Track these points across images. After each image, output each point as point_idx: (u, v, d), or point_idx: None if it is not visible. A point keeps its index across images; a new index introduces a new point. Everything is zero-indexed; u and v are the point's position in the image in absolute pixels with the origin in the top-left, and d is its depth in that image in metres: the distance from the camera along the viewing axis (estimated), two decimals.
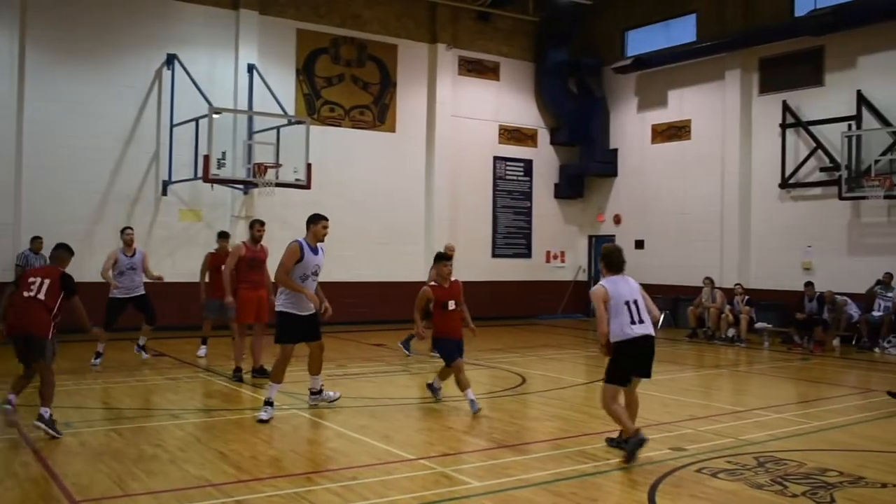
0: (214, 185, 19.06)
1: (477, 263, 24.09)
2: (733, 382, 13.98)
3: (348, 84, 22.54)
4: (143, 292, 14.23)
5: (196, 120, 18.74)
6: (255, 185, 18.75)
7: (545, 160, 26.02)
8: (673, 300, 22.95)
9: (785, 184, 21.05)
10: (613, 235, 25.61)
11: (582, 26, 25.82)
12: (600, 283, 8.19)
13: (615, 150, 25.66)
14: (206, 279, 14.62)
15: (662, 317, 22.59)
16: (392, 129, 23.17)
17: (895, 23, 18.97)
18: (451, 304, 10.45)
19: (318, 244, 9.96)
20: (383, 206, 22.60)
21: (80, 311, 8.90)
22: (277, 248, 19.78)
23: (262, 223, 12.81)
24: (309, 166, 18.73)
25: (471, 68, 24.68)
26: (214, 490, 6.61)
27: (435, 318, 10.44)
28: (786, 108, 21.10)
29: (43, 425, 8.33)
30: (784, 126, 21.15)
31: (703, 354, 17.47)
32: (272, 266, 10.62)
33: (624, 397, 8.20)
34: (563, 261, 26.27)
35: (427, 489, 6.73)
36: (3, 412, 8.66)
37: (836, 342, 18.14)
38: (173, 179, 19.63)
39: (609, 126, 25.77)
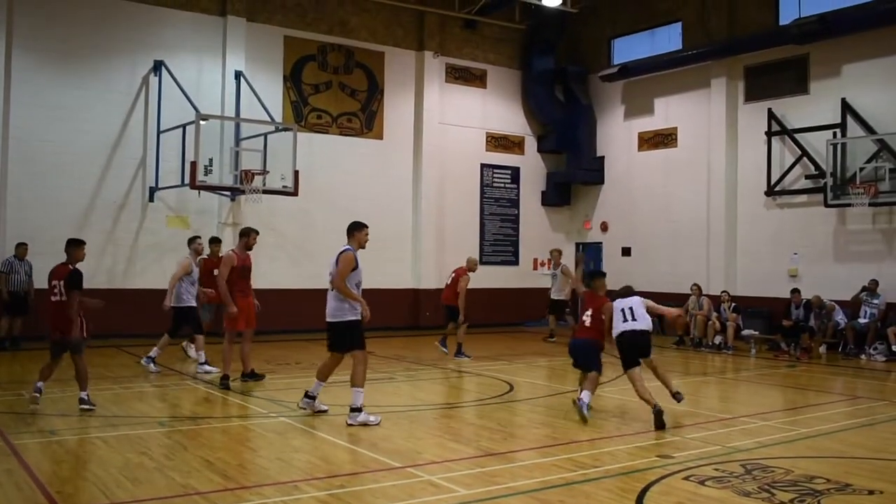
0: (201, 192, 19.00)
1: None
2: (720, 390, 13.99)
3: (336, 91, 22.52)
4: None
5: (183, 126, 18.69)
6: (243, 192, 18.70)
7: (532, 168, 26.04)
8: None
9: (771, 191, 21.12)
10: (600, 243, 25.66)
11: (568, 34, 25.88)
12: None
13: (602, 158, 25.70)
14: (197, 284, 14.54)
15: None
16: (379, 137, 23.15)
17: (879, 31, 19.08)
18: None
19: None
20: (371, 213, 22.43)
21: (74, 305, 9.93)
22: (264, 254, 19.82)
23: (257, 232, 13.00)
24: (296, 173, 18.69)
25: (458, 76, 24.69)
26: (200, 498, 6.56)
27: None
28: (771, 115, 21.19)
29: (85, 406, 10.08)
30: (769, 134, 21.23)
31: (690, 362, 17.47)
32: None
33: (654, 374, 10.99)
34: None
35: (414, 497, 6.69)
36: (33, 400, 10.12)
37: (822, 349, 18.18)
38: (160, 186, 19.55)
39: (596, 134, 25.80)
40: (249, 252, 12.78)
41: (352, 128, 22.74)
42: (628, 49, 25.17)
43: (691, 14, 23.24)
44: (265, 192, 18.54)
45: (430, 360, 16.04)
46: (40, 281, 16.45)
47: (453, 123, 24.40)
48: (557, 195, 26.22)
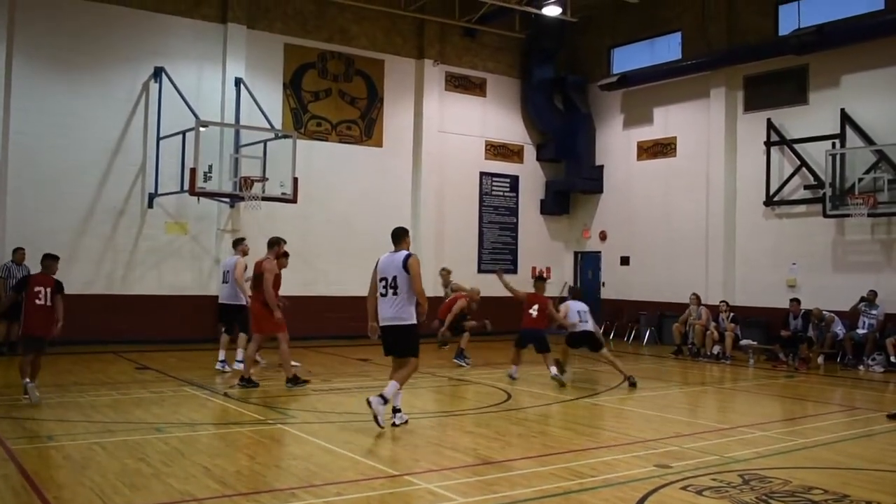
0: (200, 199, 19.01)
1: (462, 278, 23.96)
2: (718, 400, 13.97)
3: (335, 98, 22.55)
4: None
5: (183, 133, 18.72)
6: (242, 199, 18.70)
7: (531, 176, 26.08)
8: (658, 316, 23.01)
9: (770, 201, 21.14)
10: (599, 252, 25.68)
11: (568, 43, 25.95)
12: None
13: (601, 167, 25.73)
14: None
15: (648, 333, 22.68)
16: (379, 144, 23.18)
17: (878, 42, 19.13)
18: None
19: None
20: (369, 220, 22.55)
21: (62, 308, 11.24)
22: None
23: (285, 241, 13.63)
24: (295, 180, 18.70)
25: (457, 84, 24.74)
26: None
27: None
28: (770, 125, 21.22)
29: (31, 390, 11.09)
30: (769, 144, 21.26)
31: (688, 371, 17.48)
32: None
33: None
34: (548, 276, 26.25)
35: None
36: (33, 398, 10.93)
37: (820, 360, 18.19)
38: (159, 192, 19.58)
39: (595, 143, 25.85)
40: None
41: (351, 135, 22.77)
42: (628, 58, 25.23)
43: (691, 24, 23.30)
44: (264, 198, 18.56)
45: (428, 369, 16.02)
46: None
47: (453, 131, 24.43)
48: (556, 204, 26.25)
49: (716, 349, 19.22)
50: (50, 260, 11.50)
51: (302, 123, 21.95)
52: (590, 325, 14.93)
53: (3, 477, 7.28)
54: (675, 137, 23.69)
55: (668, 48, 24.10)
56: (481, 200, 25.18)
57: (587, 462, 8.39)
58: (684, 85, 23.24)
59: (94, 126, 19.17)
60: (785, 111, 21.08)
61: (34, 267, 16.73)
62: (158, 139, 19.61)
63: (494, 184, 25.42)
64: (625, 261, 24.90)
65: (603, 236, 25.66)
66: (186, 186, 18.14)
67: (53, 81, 18.83)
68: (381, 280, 9.87)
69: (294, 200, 18.89)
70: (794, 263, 20.63)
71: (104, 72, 19.40)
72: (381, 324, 9.90)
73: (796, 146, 20.70)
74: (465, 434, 9.75)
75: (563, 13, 22.92)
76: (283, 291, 19.98)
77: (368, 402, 9.73)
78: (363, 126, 22.98)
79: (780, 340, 18.47)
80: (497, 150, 25.50)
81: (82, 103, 19.06)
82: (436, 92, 24.04)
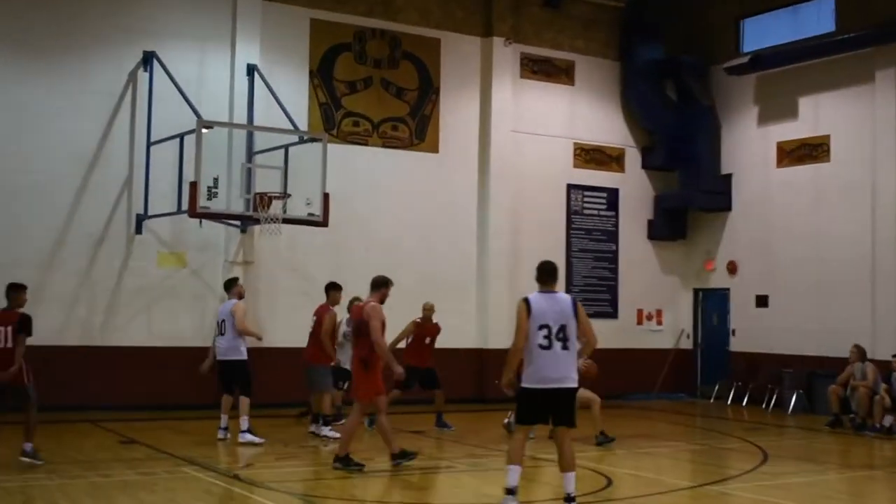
0: (203, 221, 19.23)
1: None
2: (893, 489, 13.72)
3: (377, 90, 22.75)
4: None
5: (180, 136, 18.93)
6: (257, 221, 18.87)
7: (635, 189, 25.98)
8: (807, 376, 22.64)
9: None
10: (727, 289, 25.42)
11: (682, 14, 25.89)
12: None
13: (728, 177, 25.54)
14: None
15: (795, 397, 22.32)
16: (434, 149, 23.30)
17: None
18: None
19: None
20: (422, 249, 22.59)
21: (21, 351, 12.27)
22: (283, 302, 19.94)
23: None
24: (326, 197, 18.82)
25: (537, 69, 24.80)
26: None
27: None
28: None
29: (28, 458, 12.40)
30: None
31: (851, 450, 17.20)
32: None
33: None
34: (659, 322, 26.08)
35: None
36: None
37: None
38: (150, 213, 19.84)
39: (720, 144, 25.67)
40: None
41: (398, 138, 22.93)
42: (763, 32, 25.07)
43: None
44: (286, 220, 18.69)
45: (499, 444, 15.96)
46: None
47: (531, 131, 24.46)
48: (669, 226, 26.09)
49: (887, 420, 18.88)
50: (13, 290, 12.36)
51: (334, 123, 22.16)
52: None
53: None
54: (827, 136, 23.41)
55: (816, 17, 23.89)
56: (569, 222, 25.12)
57: None
58: (840, 66, 22.99)
59: (67, 129, 19.49)
60: None
61: None
62: (149, 145, 19.89)
63: (587, 200, 25.37)
64: (762, 301, 24.60)
65: (732, 268, 25.40)
66: (185, 206, 18.34)
67: (14, 72, 19.21)
68: (542, 328, 9.92)
69: (324, 223, 19.01)
70: None
71: (79, 59, 19.76)
72: (544, 385, 9.97)
73: None
74: None
75: None
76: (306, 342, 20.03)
77: None
78: (413, 126, 23.13)
79: None
80: (590, 156, 25.45)
81: (51, 100, 19.40)
82: (508, 80, 24.10)
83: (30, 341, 12.38)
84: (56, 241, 19.39)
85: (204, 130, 17.85)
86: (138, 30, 20.19)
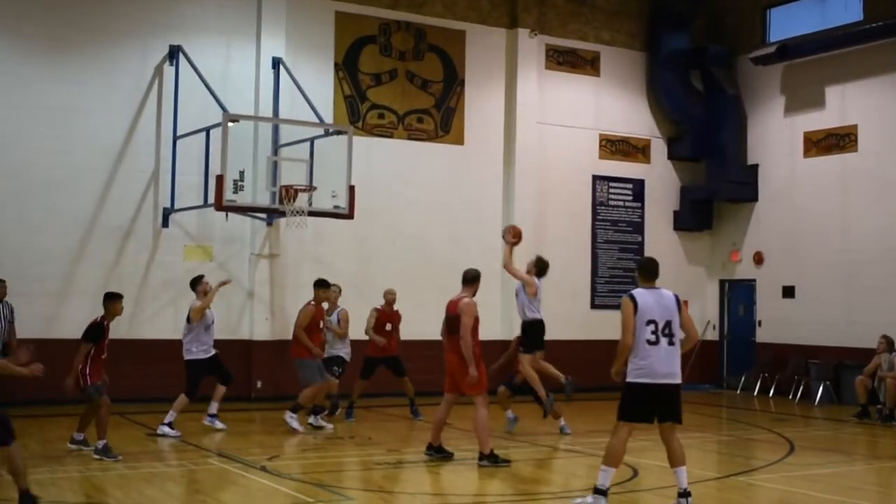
0: (229, 215, 19.32)
1: (571, 317, 23.92)
2: None
3: (402, 82, 22.77)
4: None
5: (206, 130, 18.98)
6: (283, 214, 18.91)
7: (661, 180, 25.92)
8: (835, 367, 22.56)
9: None
10: (753, 280, 25.34)
11: (708, 3, 25.79)
12: None
13: (755, 167, 25.46)
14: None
15: (822, 388, 22.26)
16: (459, 141, 23.31)
17: None
18: None
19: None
20: (448, 241, 22.60)
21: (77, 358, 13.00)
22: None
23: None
24: (351, 189, 18.85)
25: (562, 60, 24.76)
26: None
27: None
28: None
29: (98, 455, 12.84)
30: None
31: (878, 441, 17.14)
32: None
33: None
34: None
35: None
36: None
37: None
38: (176, 207, 19.95)
39: (746, 134, 25.61)
40: None
41: (423, 130, 22.95)
42: (790, 21, 24.95)
43: None
44: (311, 213, 18.71)
45: (527, 435, 15.99)
46: (24, 328, 16.96)
47: (556, 123, 24.43)
48: (695, 216, 26.03)
49: None
50: (107, 301, 13.60)
51: (359, 115, 22.20)
52: None
53: None
54: (855, 126, 23.30)
55: (844, 6, 23.75)
56: (595, 213, 25.10)
57: None
58: (867, 55, 22.86)
59: (94, 123, 19.61)
60: None
61: (19, 304, 17.24)
62: (175, 139, 19.98)
63: (612, 191, 25.33)
64: (788, 292, 24.51)
65: (759, 259, 25.32)
66: (211, 199, 18.42)
67: (42, 67, 19.31)
68: (649, 323, 10.08)
69: (350, 216, 19.03)
70: None
71: (106, 53, 19.87)
72: (652, 380, 10.10)
73: None
74: None
75: None
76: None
77: None
78: (439, 118, 23.15)
79: None
80: (615, 147, 25.41)
81: (78, 94, 19.50)
82: (534, 71, 24.08)
83: (58, 334, 12.47)
84: (84, 234, 19.50)
85: (230, 124, 17.88)
86: (164, 24, 20.27)
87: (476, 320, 13.02)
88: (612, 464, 10.11)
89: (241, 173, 19.03)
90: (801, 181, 24.40)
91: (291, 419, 15.84)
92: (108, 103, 19.76)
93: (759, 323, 25.21)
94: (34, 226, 18.97)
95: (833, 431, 18.15)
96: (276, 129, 20.14)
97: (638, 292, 10.25)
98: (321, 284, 16.82)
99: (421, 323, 20.30)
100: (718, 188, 25.53)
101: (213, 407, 15.99)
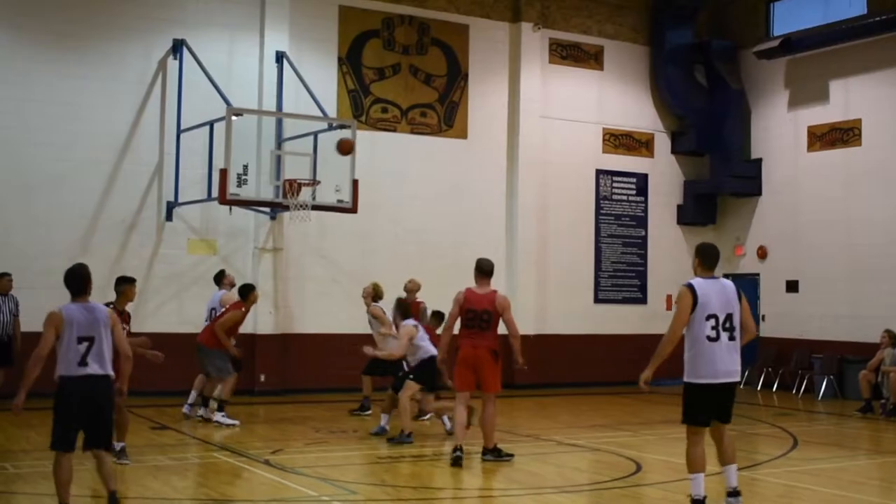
0: (233, 208, 19.34)
1: (574, 311, 23.96)
2: None
3: (406, 76, 22.77)
4: None
5: (210, 124, 19.03)
6: (286, 208, 18.93)
7: (665, 174, 25.91)
8: (838, 361, 22.55)
9: None
10: (756, 275, 25.34)
11: None
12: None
13: (758, 161, 25.45)
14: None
15: (825, 383, 22.26)
16: (462, 135, 23.32)
17: None
18: None
19: None
20: (451, 235, 22.60)
21: None
22: (312, 289, 20.04)
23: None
24: (355, 183, 18.86)
25: (565, 54, 24.75)
26: None
27: None
28: None
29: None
30: None
31: (882, 436, 17.15)
32: None
33: None
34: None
35: None
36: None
37: None
38: (180, 201, 20.00)
39: (750, 129, 25.60)
40: None
41: (427, 124, 22.95)
42: (793, 15, 24.92)
43: None
44: (315, 207, 18.73)
45: (528, 430, 16.01)
46: (28, 321, 16.96)
47: (559, 117, 24.42)
48: (699, 211, 26.02)
49: None
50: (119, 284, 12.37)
51: (363, 109, 22.21)
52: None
53: None
54: (858, 120, 23.29)
55: (847, 0, 23.74)
56: (598, 207, 25.09)
57: None
58: (871, 49, 22.83)
59: (97, 118, 19.63)
60: None
61: (25, 297, 17.28)
62: (179, 133, 20.03)
63: (616, 185, 25.33)
64: (792, 286, 24.51)
65: (762, 253, 25.32)
66: (215, 193, 18.46)
67: (43, 61, 19.30)
68: (709, 318, 9.38)
69: (354, 210, 19.05)
70: None
71: (109, 48, 19.89)
72: (714, 380, 9.41)
73: None
74: None
75: None
76: (336, 328, 20.19)
77: None
78: (442, 112, 23.15)
79: None
80: (619, 141, 25.40)
81: (81, 88, 19.53)
82: (537, 65, 24.07)
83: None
84: (88, 228, 19.54)
85: (233, 118, 17.91)
86: (168, 18, 20.29)
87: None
88: (698, 469, 9.49)
89: (245, 167, 19.06)
90: (805, 175, 24.39)
91: (223, 418, 15.79)
92: (111, 98, 19.79)
93: (763, 317, 25.18)
94: (39, 220, 19.01)
95: (836, 426, 18.15)
96: (279, 123, 20.15)
97: (698, 283, 9.50)
98: (253, 289, 16.62)
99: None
100: (722, 182, 25.52)
101: (192, 396, 16.52)
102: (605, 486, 11.58)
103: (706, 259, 9.80)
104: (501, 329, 12.71)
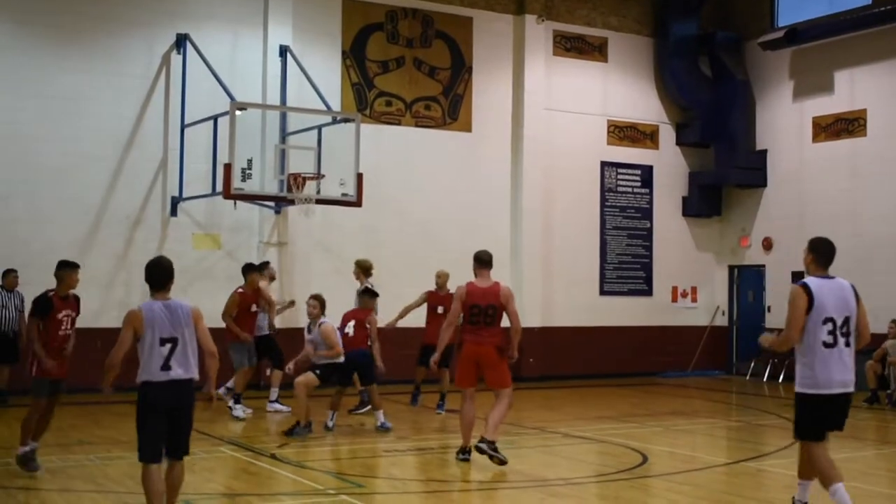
0: (238, 203, 19.36)
1: (579, 304, 23.96)
2: None
3: (410, 69, 22.76)
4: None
5: (214, 118, 19.02)
6: (291, 202, 18.95)
7: (669, 166, 25.89)
8: None
9: None
10: (762, 266, 25.32)
11: None
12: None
13: (763, 153, 25.43)
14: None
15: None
16: (467, 128, 23.31)
17: None
18: None
19: None
20: (455, 228, 22.57)
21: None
22: (317, 284, 20.00)
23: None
24: (359, 177, 18.86)
25: (570, 46, 24.72)
26: None
27: None
28: None
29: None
30: None
31: (888, 426, 17.18)
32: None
33: None
34: (694, 300, 26.00)
35: None
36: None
37: None
38: (185, 195, 20.00)
39: (755, 120, 25.56)
40: None
41: (431, 117, 22.95)
42: (798, 6, 24.87)
43: None
44: (319, 201, 18.76)
45: (534, 422, 16.02)
46: None
47: (564, 109, 24.41)
48: (704, 202, 26.00)
49: None
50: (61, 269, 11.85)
51: (367, 103, 22.20)
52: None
53: None
54: (864, 111, 23.25)
55: None
56: (603, 199, 25.08)
57: None
58: (876, 40, 22.79)
59: (101, 112, 19.63)
60: None
61: (29, 293, 17.22)
62: (183, 127, 20.04)
63: (620, 177, 25.31)
64: (798, 277, 24.32)
65: (767, 245, 25.30)
66: (219, 188, 18.43)
67: (47, 56, 19.31)
68: (826, 322, 8.67)
69: (358, 203, 19.05)
70: None
71: (113, 42, 19.88)
72: (830, 390, 8.62)
73: None
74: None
75: None
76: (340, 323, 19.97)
77: None
78: (446, 105, 23.13)
79: None
80: (623, 133, 25.39)
81: (86, 83, 19.52)
82: (541, 58, 24.05)
83: None
84: (92, 223, 19.55)
85: (237, 112, 17.92)
86: (171, 12, 20.29)
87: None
88: (835, 479, 8.62)
89: (249, 161, 19.05)
90: (810, 166, 24.36)
91: (236, 408, 15.99)
92: (115, 92, 19.79)
93: (769, 308, 25.17)
94: (43, 215, 19.01)
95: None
96: (283, 117, 20.16)
97: (814, 283, 8.84)
98: (253, 269, 17.04)
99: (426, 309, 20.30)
100: (727, 174, 25.50)
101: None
102: (611, 477, 11.59)
103: (820, 256, 9.22)
104: (503, 323, 12.57)
